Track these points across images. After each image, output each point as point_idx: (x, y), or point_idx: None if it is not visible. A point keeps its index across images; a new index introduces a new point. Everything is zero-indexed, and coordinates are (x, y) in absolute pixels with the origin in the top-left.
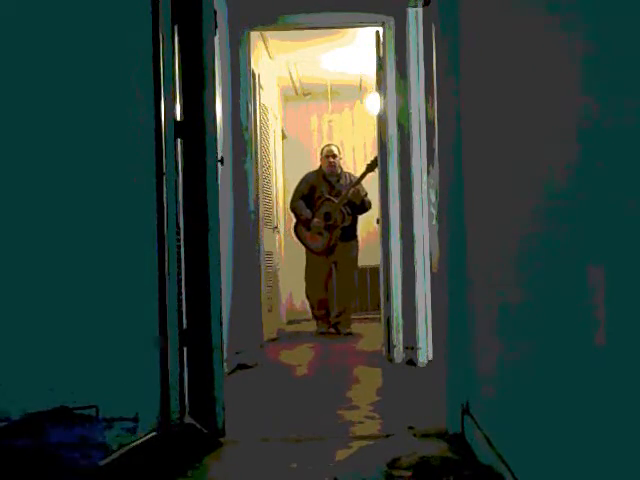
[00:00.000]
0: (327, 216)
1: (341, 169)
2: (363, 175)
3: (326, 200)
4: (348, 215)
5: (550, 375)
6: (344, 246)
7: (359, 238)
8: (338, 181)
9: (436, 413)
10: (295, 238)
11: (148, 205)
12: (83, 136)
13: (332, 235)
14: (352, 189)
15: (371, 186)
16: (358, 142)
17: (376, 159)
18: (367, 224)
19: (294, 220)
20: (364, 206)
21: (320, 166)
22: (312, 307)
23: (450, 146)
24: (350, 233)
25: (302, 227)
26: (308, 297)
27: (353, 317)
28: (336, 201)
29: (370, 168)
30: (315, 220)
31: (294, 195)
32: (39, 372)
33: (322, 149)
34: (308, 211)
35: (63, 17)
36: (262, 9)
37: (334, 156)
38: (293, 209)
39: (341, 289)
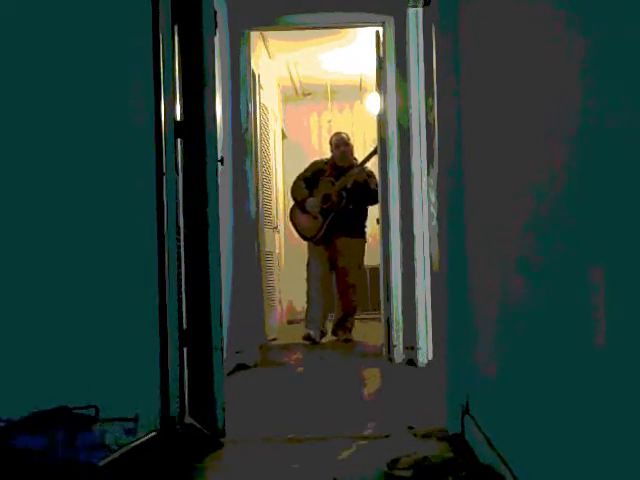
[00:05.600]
0: (325, 198)
1: (355, 159)
2: (368, 157)
3: (327, 181)
4: (347, 199)
5: (550, 375)
6: (348, 242)
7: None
8: (349, 168)
9: (436, 413)
10: (293, 230)
11: (148, 205)
12: (83, 136)
13: (326, 220)
14: (356, 169)
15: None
16: (358, 142)
17: None
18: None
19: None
20: (369, 187)
21: (331, 156)
22: (307, 309)
23: (450, 146)
24: (356, 228)
25: (297, 209)
26: (308, 297)
27: (354, 317)
28: (337, 182)
29: (376, 150)
30: (310, 199)
31: (296, 178)
32: (39, 372)
33: (330, 139)
34: (306, 191)
35: (63, 17)
36: (262, 9)
37: (346, 144)
38: (292, 191)
39: (342, 291)
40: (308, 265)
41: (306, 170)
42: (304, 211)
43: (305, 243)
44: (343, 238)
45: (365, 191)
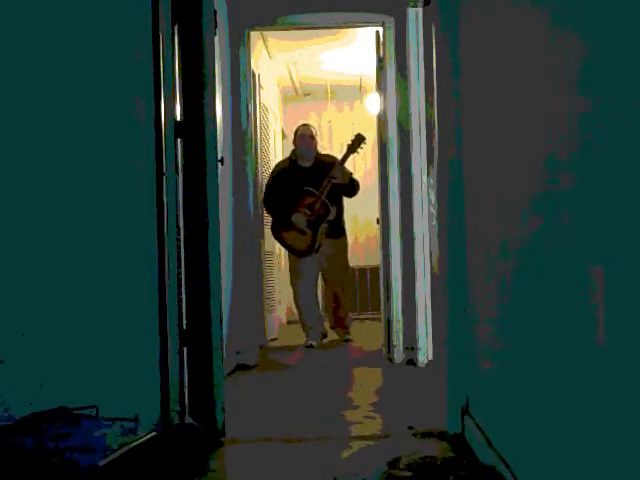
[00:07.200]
0: (310, 209)
1: (318, 152)
2: (345, 157)
3: (305, 192)
4: (331, 206)
5: (550, 375)
6: (331, 244)
7: (348, 235)
8: (313, 167)
9: (436, 413)
10: (277, 242)
11: (148, 205)
12: (83, 136)
13: (316, 233)
14: (335, 171)
15: (369, 182)
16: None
17: (358, 136)
18: (367, 225)
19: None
20: (353, 185)
21: (292, 151)
22: (301, 318)
23: (450, 146)
24: (337, 228)
25: (279, 227)
26: (298, 307)
27: (353, 317)
28: (317, 192)
29: (352, 148)
30: (295, 215)
31: (265, 189)
32: (39, 372)
33: (296, 130)
34: (281, 202)
35: (63, 18)
36: (262, 9)
37: (311, 137)
38: (265, 206)
39: (334, 294)
40: (293, 271)
41: (271, 176)
42: (288, 226)
43: None
44: (326, 239)
45: (348, 188)
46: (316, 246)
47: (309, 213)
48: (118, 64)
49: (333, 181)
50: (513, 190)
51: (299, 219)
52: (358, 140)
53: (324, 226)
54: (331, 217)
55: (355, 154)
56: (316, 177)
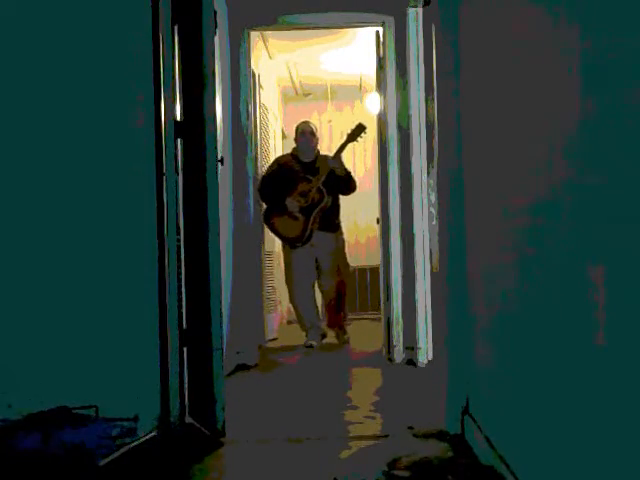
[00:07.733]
0: (303, 194)
1: (318, 150)
2: (345, 144)
3: (302, 179)
4: (328, 195)
5: (550, 375)
6: (325, 237)
7: (349, 236)
8: (313, 163)
9: (436, 413)
10: (270, 232)
11: (148, 205)
12: (83, 136)
13: (309, 219)
14: (332, 159)
15: (368, 182)
16: (358, 142)
17: (359, 125)
18: (368, 226)
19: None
20: (349, 180)
21: (293, 148)
22: (299, 318)
23: (450, 146)
24: (331, 222)
25: (272, 212)
26: (294, 307)
27: (353, 317)
28: (313, 178)
29: (352, 137)
30: (289, 199)
31: (262, 177)
32: (39, 372)
33: (297, 127)
34: (270, 189)
35: (63, 18)
36: (262, 9)
37: (312, 134)
38: (261, 194)
39: (328, 291)
40: (288, 268)
41: (270, 166)
42: (281, 212)
43: None
44: (320, 233)
45: (345, 182)
46: (307, 233)
47: (303, 200)
48: (118, 64)
49: (330, 165)
50: (513, 189)
51: (292, 204)
52: (359, 129)
53: (317, 214)
54: (325, 203)
55: (355, 142)
56: (315, 172)
